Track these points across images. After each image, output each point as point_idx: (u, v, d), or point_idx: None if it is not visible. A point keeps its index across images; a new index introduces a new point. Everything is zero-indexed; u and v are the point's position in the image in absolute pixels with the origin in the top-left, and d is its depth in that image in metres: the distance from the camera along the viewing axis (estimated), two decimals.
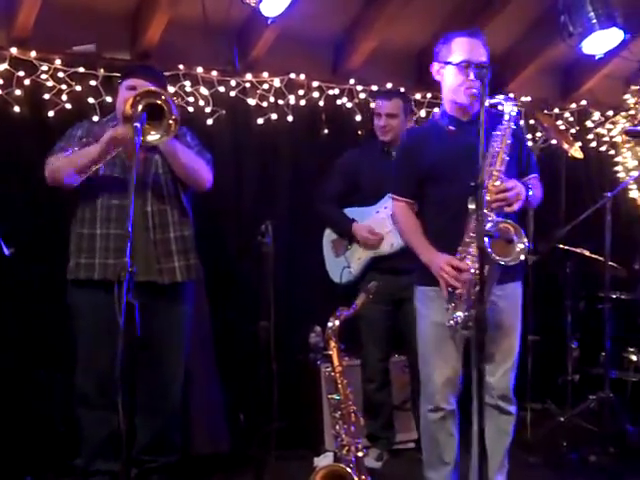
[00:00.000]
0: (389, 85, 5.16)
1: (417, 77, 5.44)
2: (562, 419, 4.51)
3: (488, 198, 2.99)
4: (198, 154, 3.68)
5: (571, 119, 5.95)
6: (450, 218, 3.15)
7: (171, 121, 3.21)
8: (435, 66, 3.29)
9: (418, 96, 5.32)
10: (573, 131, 5.89)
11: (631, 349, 4.80)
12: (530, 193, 3.17)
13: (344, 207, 4.43)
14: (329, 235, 4.52)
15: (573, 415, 4.50)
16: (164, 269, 3.57)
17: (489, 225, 2.95)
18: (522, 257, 3.00)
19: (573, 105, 5.96)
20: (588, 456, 4.28)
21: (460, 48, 3.18)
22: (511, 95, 5.29)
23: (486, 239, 2.86)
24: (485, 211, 2.90)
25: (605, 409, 4.40)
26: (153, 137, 3.21)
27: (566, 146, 4.92)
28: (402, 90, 4.80)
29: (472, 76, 3.09)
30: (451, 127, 3.26)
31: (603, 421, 4.39)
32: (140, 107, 3.15)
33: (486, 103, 3.01)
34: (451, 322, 3.09)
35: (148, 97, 3.20)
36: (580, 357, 4.85)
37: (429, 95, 5.33)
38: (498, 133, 3.09)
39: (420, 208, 3.33)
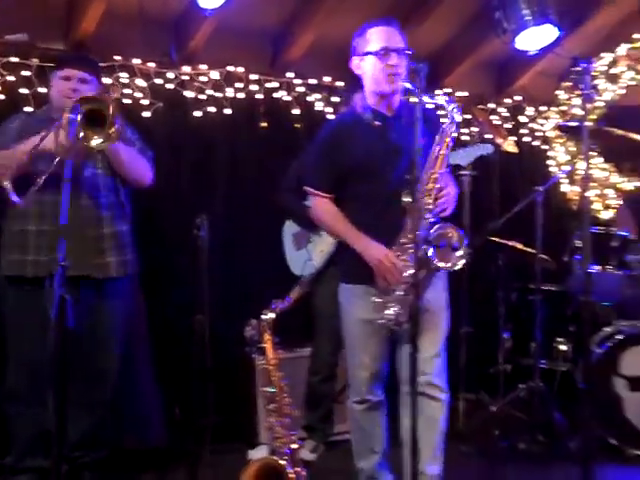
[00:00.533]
0: (327, 79, 5.19)
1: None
2: (494, 409, 4.61)
3: (429, 201, 3.02)
4: (140, 152, 3.66)
5: (506, 114, 6.04)
6: (375, 216, 3.15)
7: (114, 128, 3.17)
8: (354, 61, 3.26)
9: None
10: (508, 126, 6.00)
11: (560, 339, 4.91)
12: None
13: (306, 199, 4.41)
14: (290, 228, 4.51)
15: (504, 404, 4.61)
16: (98, 264, 3.55)
17: (433, 232, 3.00)
18: (462, 263, 3.05)
19: (508, 100, 6.06)
20: (518, 444, 4.40)
21: (376, 37, 3.16)
22: (448, 90, 5.45)
23: (431, 249, 2.94)
24: (421, 212, 2.96)
25: (535, 398, 4.52)
26: (96, 142, 3.16)
27: (500, 140, 5.02)
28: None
29: (393, 61, 3.09)
30: (377, 122, 3.21)
31: (533, 410, 4.51)
32: (80, 115, 3.09)
33: (430, 105, 3.08)
34: (383, 320, 3.09)
35: (89, 103, 3.16)
36: (512, 348, 4.95)
37: None
38: (440, 135, 3.09)
39: (340, 205, 3.27)
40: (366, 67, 3.20)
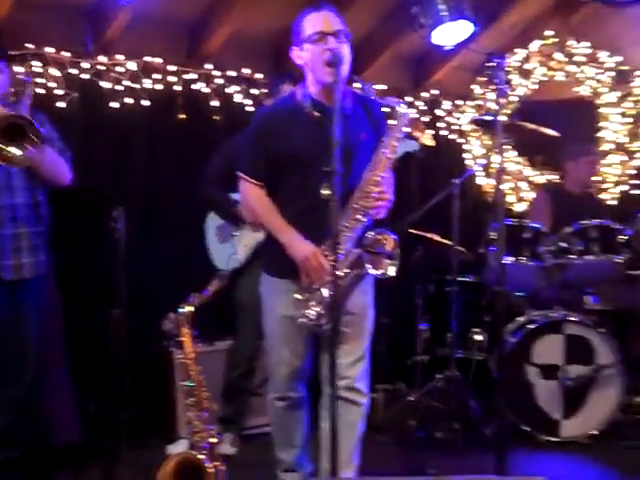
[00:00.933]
0: (246, 71, 5.18)
1: (275, 64, 5.46)
2: (411, 399, 4.69)
3: (364, 203, 2.99)
4: (60, 152, 3.58)
5: (423, 107, 6.13)
6: (307, 210, 3.03)
7: (34, 139, 3.10)
8: (294, 51, 3.15)
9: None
10: (425, 119, 6.09)
11: (475, 329, 5.01)
12: None
13: (230, 192, 4.37)
14: (213, 221, 4.45)
15: (422, 394, 4.69)
16: (10, 265, 3.47)
17: (369, 236, 2.98)
18: (392, 271, 3.02)
19: (425, 94, 6.15)
20: (434, 433, 4.49)
21: (311, 24, 3.05)
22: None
23: (362, 251, 2.93)
24: (356, 213, 2.97)
25: (451, 387, 4.61)
26: (15, 153, 3.10)
27: (418, 134, 5.08)
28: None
29: (331, 44, 2.96)
30: (316, 113, 3.07)
31: (449, 399, 4.60)
32: None
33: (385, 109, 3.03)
34: (303, 319, 3.00)
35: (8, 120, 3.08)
36: (429, 338, 5.03)
37: None
38: (386, 138, 3.03)
39: (272, 196, 3.16)
40: (305, 56, 3.09)
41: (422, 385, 4.76)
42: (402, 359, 5.07)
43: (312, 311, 3.00)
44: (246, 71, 5.18)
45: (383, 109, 3.16)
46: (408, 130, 5.14)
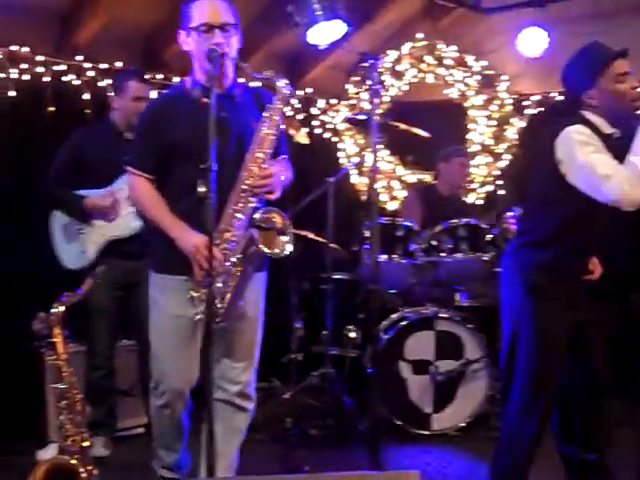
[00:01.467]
0: (119, 64, 5.05)
1: (147, 57, 5.35)
2: (286, 396, 4.71)
3: (250, 182, 2.89)
4: None
5: (298, 106, 6.15)
6: (199, 200, 2.80)
7: None
8: (181, 36, 3.04)
9: (148, 76, 5.23)
10: (300, 117, 6.12)
11: (350, 327, 5.07)
12: (282, 178, 3.07)
13: (75, 190, 4.22)
14: (59, 219, 4.28)
15: (297, 392, 4.71)
16: None
17: (257, 215, 2.87)
18: (289, 249, 2.92)
19: (300, 92, 6.17)
20: (310, 430, 4.52)
21: (198, 12, 2.95)
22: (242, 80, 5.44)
23: (255, 230, 2.80)
24: (244, 195, 2.88)
25: (326, 384, 4.66)
26: None
27: (292, 132, 5.10)
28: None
29: (217, 38, 2.89)
30: (205, 99, 2.90)
31: (324, 396, 4.65)
32: None
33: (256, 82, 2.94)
34: (199, 316, 2.86)
35: None
36: (304, 336, 5.06)
37: (160, 76, 5.27)
38: (267, 114, 2.95)
39: (163, 189, 3.05)
40: (191, 44, 3.01)
41: (297, 382, 4.78)
42: (277, 357, 5.08)
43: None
44: (119, 64, 5.05)
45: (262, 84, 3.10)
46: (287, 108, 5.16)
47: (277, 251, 2.92)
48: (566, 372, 3.21)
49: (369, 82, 3.70)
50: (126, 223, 4.14)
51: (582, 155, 2.96)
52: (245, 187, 2.92)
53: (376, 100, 3.74)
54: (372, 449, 3.37)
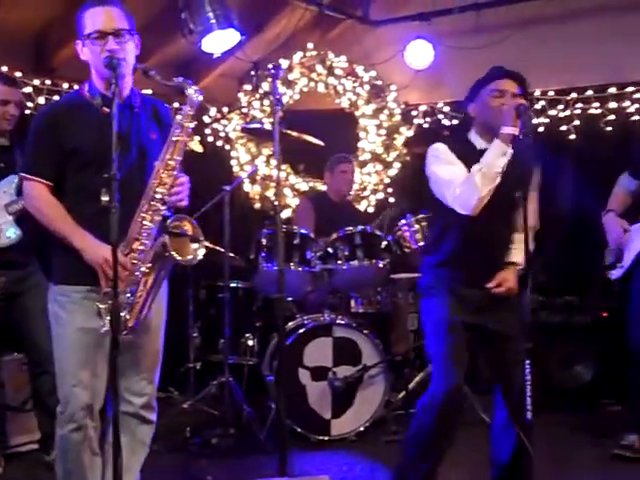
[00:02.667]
0: (4, 69, 4.88)
1: (35, 62, 5.20)
2: (185, 406, 4.66)
3: (161, 190, 2.84)
4: None
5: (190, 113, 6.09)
6: (101, 210, 2.78)
7: None
8: (78, 45, 2.95)
9: (37, 82, 5.10)
10: (192, 125, 6.05)
11: (247, 335, 5.07)
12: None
13: None
14: None
15: (196, 401, 4.68)
16: None
17: (169, 222, 2.82)
18: (200, 255, 2.90)
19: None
20: (210, 439, 4.48)
21: (91, 20, 2.86)
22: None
23: (166, 237, 2.75)
24: (154, 203, 2.82)
25: (225, 393, 4.63)
26: None
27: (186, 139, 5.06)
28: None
29: (110, 45, 2.81)
30: (105, 108, 2.87)
31: (223, 405, 4.63)
32: None
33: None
34: (106, 328, 2.71)
35: None
36: (201, 345, 5.02)
37: (48, 82, 5.14)
38: (179, 117, 2.92)
39: (62, 197, 2.92)
40: (86, 53, 2.93)
41: (196, 392, 4.75)
42: (174, 366, 5.02)
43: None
44: (4, 68, 4.88)
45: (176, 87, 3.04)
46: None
47: (189, 258, 2.89)
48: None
49: (267, 91, 3.69)
50: (5, 234, 3.94)
51: (434, 169, 3.32)
52: (156, 195, 2.86)
53: (278, 108, 3.73)
54: (280, 456, 3.37)
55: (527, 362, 2.86)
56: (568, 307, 5.72)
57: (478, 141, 3.34)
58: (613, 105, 5.97)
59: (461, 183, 3.19)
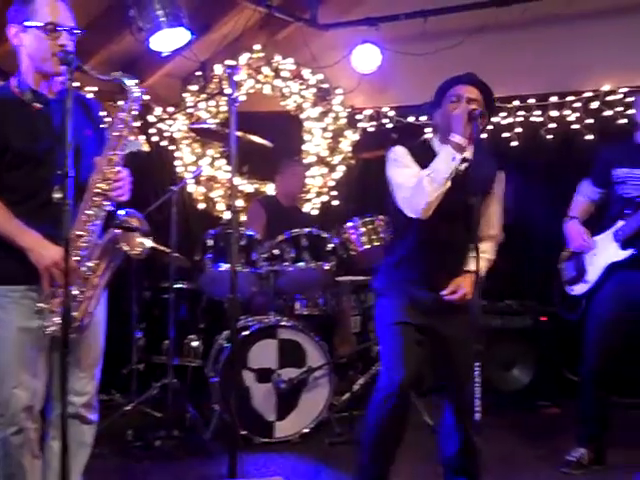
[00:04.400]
0: None
1: None
2: (128, 408, 4.61)
3: (104, 186, 2.78)
4: None
5: (134, 113, 6.02)
6: (38, 209, 2.76)
7: None
8: (13, 29, 2.82)
9: None
10: (136, 124, 6.00)
11: (192, 336, 5.04)
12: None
13: None
14: None
15: (138, 403, 4.63)
16: None
17: (117, 217, 2.80)
18: (148, 248, 2.91)
19: None
20: (153, 441, 4.43)
21: (45, 10, 2.77)
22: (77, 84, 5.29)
23: (117, 231, 2.74)
24: (97, 199, 2.76)
25: (169, 395, 4.59)
26: None
27: (132, 138, 5.00)
28: None
29: (62, 40, 2.74)
30: (38, 104, 2.81)
31: (167, 406, 4.58)
32: None
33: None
34: (51, 328, 2.69)
35: None
36: (145, 346, 4.97)
37: None
38: (121, 113, 2.86)
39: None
40: (28, 41, 2.81)
41: (138, 394, 4.70)
42: (117, 368, 4.96)
43: (59, 318, 2.65)
44: None
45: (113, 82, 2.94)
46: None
47: (139, 251, 2.90)
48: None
49: (226, 91, 3.67)
50: None
51: (390, 171, 3.34)
52: (99, 190, 2.81)
53: (234, 109, 3.71)
54: (230, 458, 3.35)
55: (477, 364, 2.90)
56: (508, 311, 5.82)
57: (439, 147, 3.33)
58: (554, 113, 6.10)
59: (411, 187, 3.22)
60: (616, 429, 4.28)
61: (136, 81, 2.92)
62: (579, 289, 4.27)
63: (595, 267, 4.17)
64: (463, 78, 3.35)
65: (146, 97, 6.11)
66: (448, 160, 3.19)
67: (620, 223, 4.06)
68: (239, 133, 4.81)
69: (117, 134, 2.87)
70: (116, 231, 2.79)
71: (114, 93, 5.85)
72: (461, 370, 3.30)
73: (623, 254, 4.04)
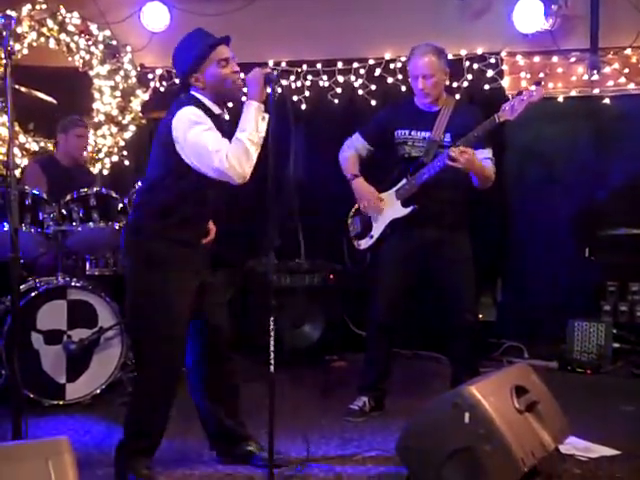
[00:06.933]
0: None
1: None
2: None
3: None
4: None
5: None
6: None
7: None
8: None
9: None
10: None
11: None
12: None
13: None
14: None
15: None
16: None
17: None
18: None
19: None
20: None
21: None
22: None
23: None
24: None
25: None
26: None
27: None
28: None
29: None
30: None
31: None
32: None
33: None
34: None
35: None
36: None
37: None
38: None
39: None
40: None
41: None
42: None
43: None
44: None
45: None
46: None
47: None
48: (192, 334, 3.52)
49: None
50: None
51: (194, 134, 3.22)
52: None
53: (9, 62, 3.55)
54: (14, 421, 3.27)
55: (272, 319, 3.02)
56: (298, 270, 6.01)
57: (214, 107, 3.38)
58: (340, 79, 6.32)
59: (233, 150, 3.19)
60: (395, 378, 4.60)
61: None
62: (364, 243, 4.51)
63: (379, 223, 4.42)
64: (217, 40, 3.38)
65: None
66: (260, 119, 3.25)
67: (402, 182, 4.33)
68: (22, 88, 4.64)
69: None
70: None
71: None
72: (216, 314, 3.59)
73: (404, 211, 4.31)
